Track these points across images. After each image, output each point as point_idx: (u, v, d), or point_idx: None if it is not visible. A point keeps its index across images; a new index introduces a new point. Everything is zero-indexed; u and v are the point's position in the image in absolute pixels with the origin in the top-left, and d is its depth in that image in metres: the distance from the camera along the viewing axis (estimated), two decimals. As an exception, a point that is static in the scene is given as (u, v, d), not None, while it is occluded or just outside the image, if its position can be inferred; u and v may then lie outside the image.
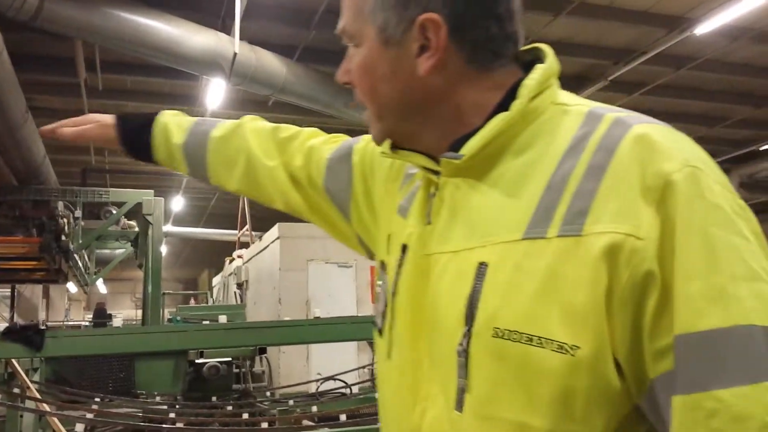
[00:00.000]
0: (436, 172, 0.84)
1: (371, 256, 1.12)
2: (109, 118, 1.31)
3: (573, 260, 0.68)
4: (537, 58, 0.84)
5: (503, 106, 0.78)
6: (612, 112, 0.76)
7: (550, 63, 0.81)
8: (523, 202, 0.74)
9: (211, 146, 1.25)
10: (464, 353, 0.73)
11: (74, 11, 5.72)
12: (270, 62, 6.96)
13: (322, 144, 1.18)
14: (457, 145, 0.80)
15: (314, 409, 5.38)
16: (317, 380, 6.71)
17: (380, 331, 0.93)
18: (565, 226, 0.70)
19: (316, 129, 1.23)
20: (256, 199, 1.26)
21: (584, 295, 0.67)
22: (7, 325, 3.79)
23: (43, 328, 3.79)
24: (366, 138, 1.14)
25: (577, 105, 0.79)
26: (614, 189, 0.68)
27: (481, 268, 0.74)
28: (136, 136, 1.29)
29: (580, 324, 0.67)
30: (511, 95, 0.79)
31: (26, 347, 3.70)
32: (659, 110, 10.61)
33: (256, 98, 9.20)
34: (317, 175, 1.15)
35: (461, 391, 0.74)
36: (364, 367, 6.10)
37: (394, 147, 0.89)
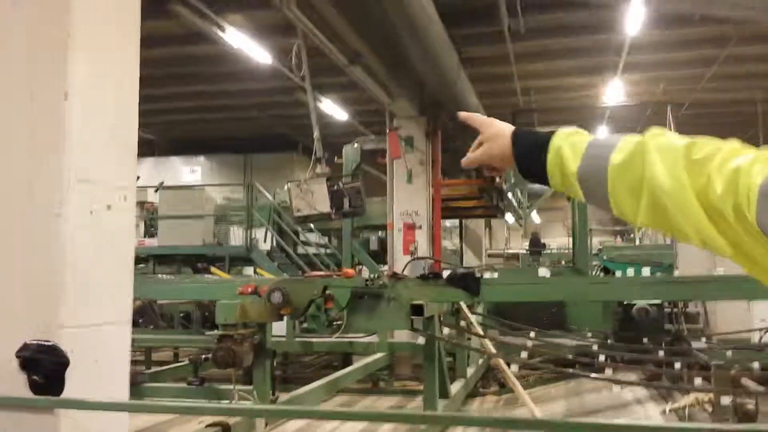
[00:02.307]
0: None
1: None
2: (506, 131, 1.27)
3: None
4: None
5: None
6: None
7: None
8: None
9: (611, 174, 1.10)
10: None
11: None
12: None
13: (751, 165, 0.93)
14: None
15: (756, 365, 4.89)
16: (760, 330, 6.05)
17: None
18: None
19: (739, 144, 0.99)
20: (669, 234, 1.11)
21: None
22: (450, 271, 4.34)
23: (478, 276, 4.27)
24: None
25: None
26: None
27: None
28: (531, 158, 1.22)
29: None
30: None
31: (466, 292, 4.26)
32: None
33: (680, 15, 8.41)
34: (745, 206, 0.91)
35: None
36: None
37: None
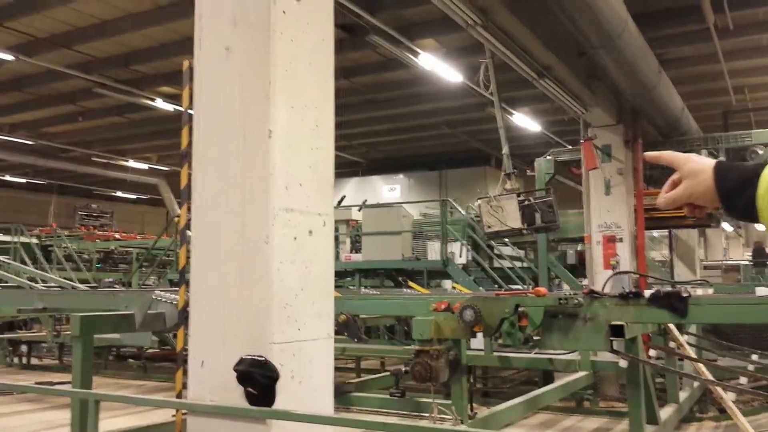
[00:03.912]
0: None
1: None
2: (707, 166, 1.17)
3: None
4: None
5: None
6: None
7: None
8: None
9: None
10: None
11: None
12: None
13: None
14: None
15: None
16: None
17: None
18: None
19: None
20: None
21: None
22: (654, 290, 4.09)
23: (685, 295, 3.95)
24: None
25: None
26: None
27: None
28: (739, 194, 1.11)
29: None
30: None
31: (671, 313, 3.96)
32: None
33: None
34: None
35: None
36: None
37: None
